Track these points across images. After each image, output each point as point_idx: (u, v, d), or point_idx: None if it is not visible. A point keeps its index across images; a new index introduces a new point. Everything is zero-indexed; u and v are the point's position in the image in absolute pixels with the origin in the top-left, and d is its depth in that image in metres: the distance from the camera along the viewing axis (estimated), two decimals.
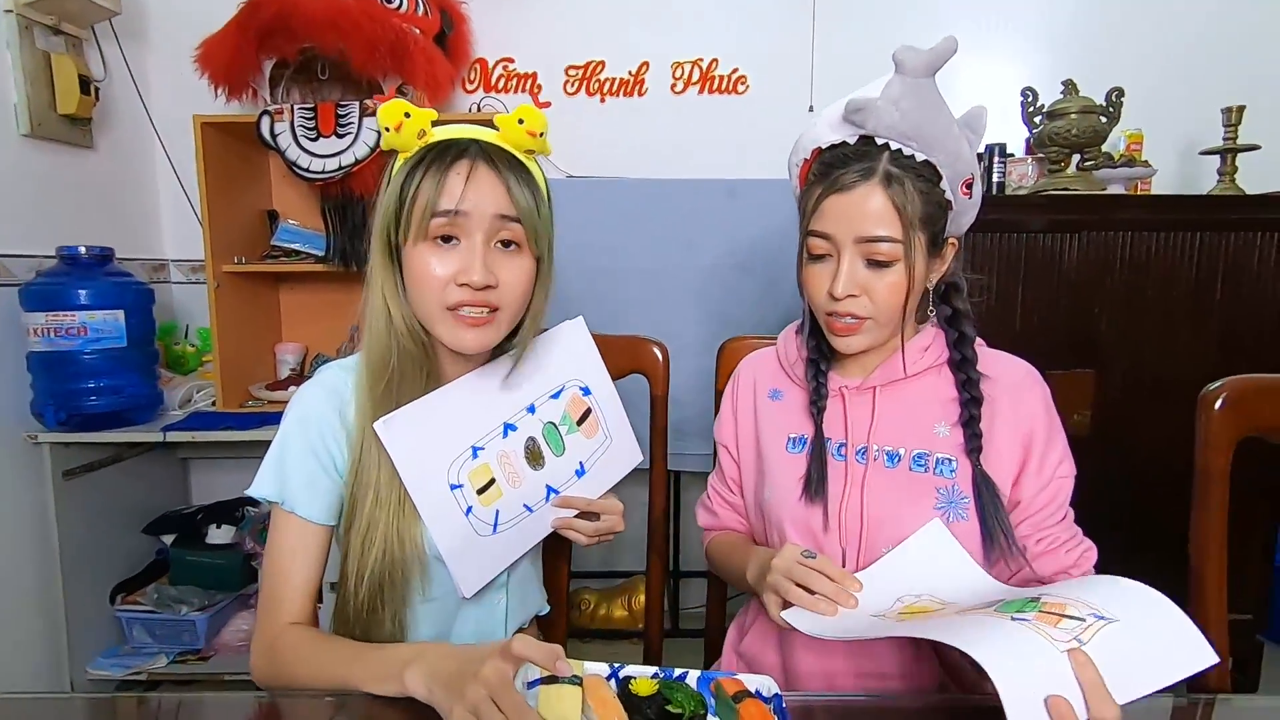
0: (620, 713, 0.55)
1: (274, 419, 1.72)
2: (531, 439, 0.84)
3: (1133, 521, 1.66)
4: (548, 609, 1.00)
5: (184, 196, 2.04)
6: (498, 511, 0.80)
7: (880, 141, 0.73)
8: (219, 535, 1.94)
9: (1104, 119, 1.72)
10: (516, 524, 0.82)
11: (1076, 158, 1.77)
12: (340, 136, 1.72)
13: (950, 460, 0.79)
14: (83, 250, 1.61)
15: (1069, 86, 1.74)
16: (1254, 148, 1.73)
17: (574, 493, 0.86)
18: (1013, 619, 0.57)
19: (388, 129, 0.72)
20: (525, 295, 0.77)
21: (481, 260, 0.72)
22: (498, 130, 0.76)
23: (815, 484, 0.80)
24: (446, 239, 0.73)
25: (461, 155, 0.72)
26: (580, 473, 0.88)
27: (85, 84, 1.73)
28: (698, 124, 2.05)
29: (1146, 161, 1.85)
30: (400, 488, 0.75)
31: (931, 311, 0.83)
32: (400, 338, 0.76)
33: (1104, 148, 1.77)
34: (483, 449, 0.79)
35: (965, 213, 0.80)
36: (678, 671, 0.62)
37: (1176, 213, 1.68)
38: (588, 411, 0.90)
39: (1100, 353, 1.68)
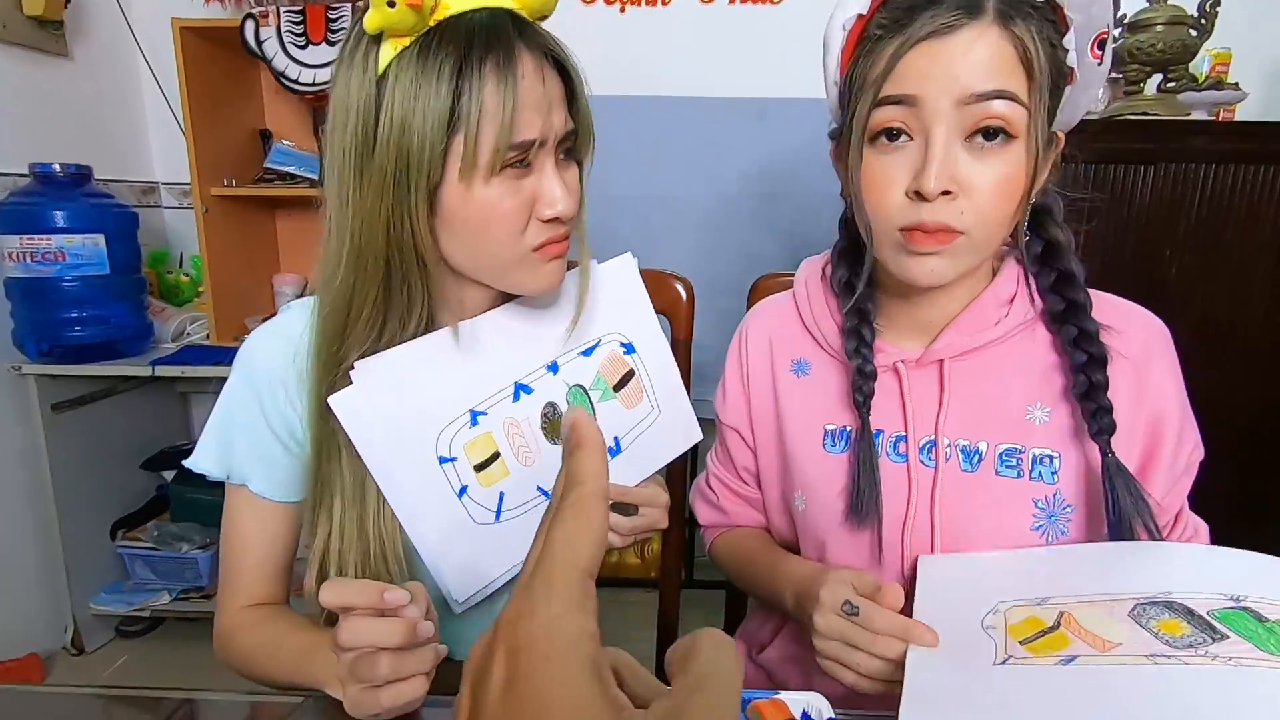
0: None
1: None
2: (551, 405, 0.65)
3: (1203, 496, 1.54)
4: None
5: (170, 113, 1.89)
6: (502, 494, 0.63)
7: None
8: None
9: (1194, 32, 1.50)
10: (529, 510, 0.64)
11: (1158, 78, 1.56)
12: (332, 44, 1.56)
13: (1052, 457, 0.60)
14: (57, 168, 1.49)
15: None
16: None
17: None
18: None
19: (392, 3, 0.49)
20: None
21: (561, 184, 0.56)
22: None
23: (865, 500, 0.61)
24: (515, 163, 0.55)
25: (512, 47, 0.52)
26: (615, 451, 0.69)
27: None
28: (727, 37, 1.83)
29: (1235, 85, 1.64)
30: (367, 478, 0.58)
31: (1009, 245, 0.63)
32: (406, 279, 0.57)
33: (1189, 67, 1.56)
34: (485, 414, 0.61)
35: (1089, 88, 0.58)
36: None
37: (1266, 142, 1.48)
38: (629, 374, 0.71)
39: (1169, 300, 1.52)
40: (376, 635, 0.46)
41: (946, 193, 0.53)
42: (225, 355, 1.63)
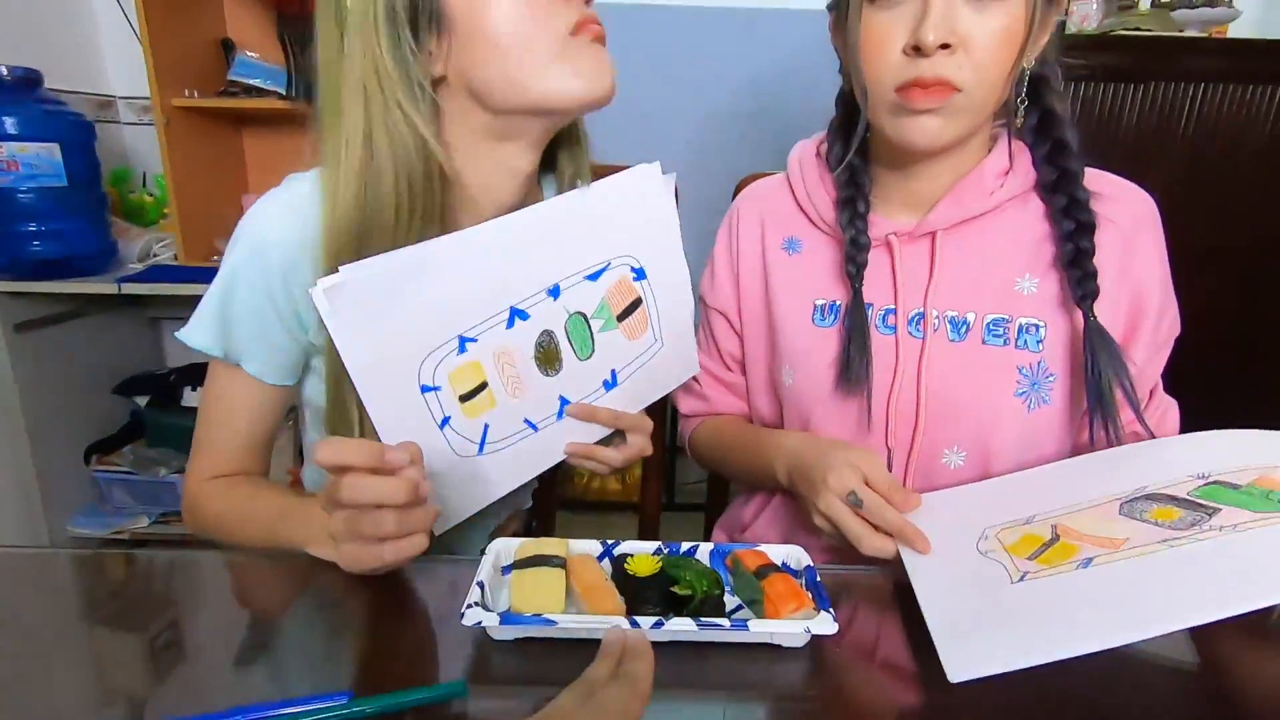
0: (615, 599, 0.44)
1: None
2: (548, 334, 0.60)
3: (1181, 386, 1.57)
4: (529, 504, 0.89)
5: (126, 21, 1.77)
6: (486, 426, 0.59)
7: None
8: (194, 397, 1.85)
9: None
10: (513, 444, 0.61)
11: None
12: None
13: (1037, 325, 0.61)
14: (3, 71, 1.40)
15: None
16: None
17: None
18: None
19: None
20: None
21: None
22: None
23: (855, 368, 0.61)
24: None
25: None
26: (610, 384, 0.66)
27: None
28: None
29: (1229, 2, 1.61)
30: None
31: (1000, 124, 0.62)
32: (399, 162, 0.53)
33: None
34: (474, 341, 0.56)
35: None
36: (685, 546, 0.50)
37: (1258, 61, 1.47)
38: (636, 302, 0.66)
39: None
40: (382, 492, 0.45)
41: (945, 46, 0.52)
42: (195, 275, 1.58)
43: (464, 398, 0.57)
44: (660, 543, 0.50)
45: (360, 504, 0.46)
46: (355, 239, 0.53)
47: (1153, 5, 1.54)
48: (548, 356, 0.61)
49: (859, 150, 0.63)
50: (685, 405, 0.81)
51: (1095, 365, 0.57)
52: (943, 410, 0.62)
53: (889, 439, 0.64)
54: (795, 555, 0.49)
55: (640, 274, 0.66)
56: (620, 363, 0.66)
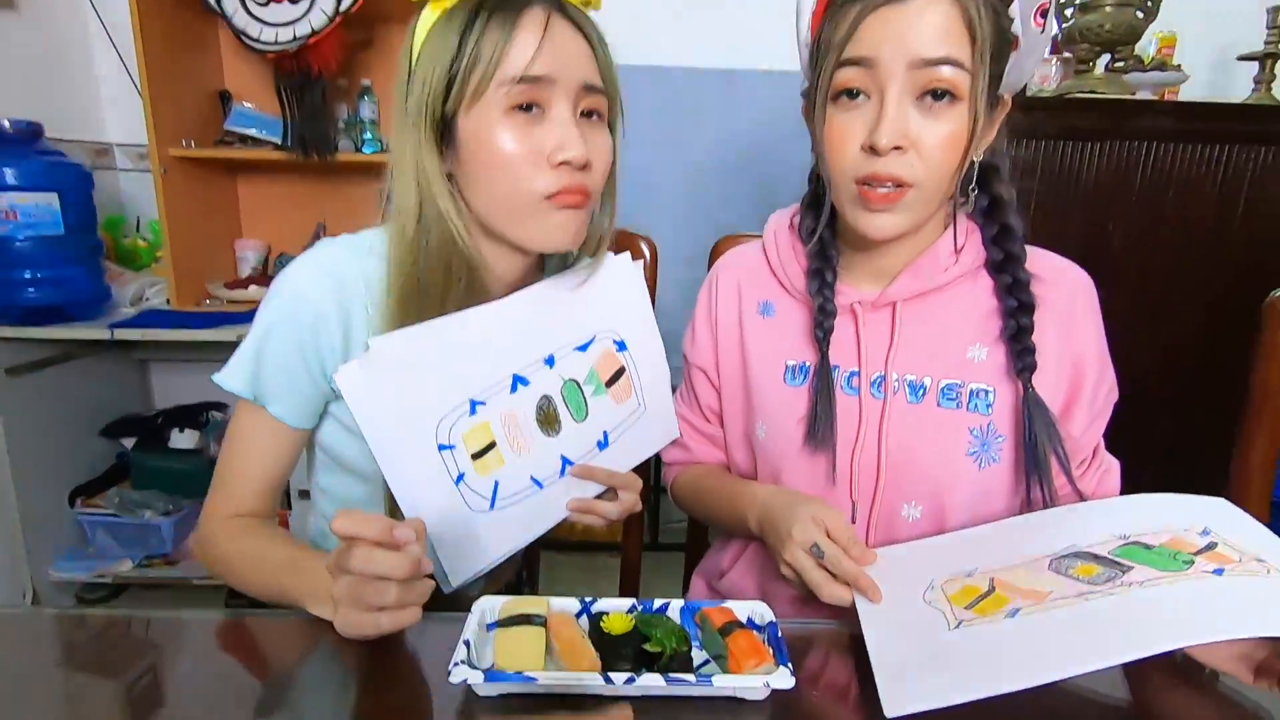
0: (591, 657, 0.47)
1: (233, 319, 1.61)
2: (546, 398, 0.67)
3: (1135, 439, 1.63)
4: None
5: (125, 72, 1.83)
6: (497, 483, 0.64)
7: None
8: (182, 440, 1.86)
9: (1140, 14, 1.56)
10: (522, 500, 0.67)
11: (1106, 58, 1.62)
12: (294, 2, 1.53)
13: (987, 391, 0.65)
14: (6, 124, 1.44)
15: None
16: None
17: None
18: (1199, 571, 0.47)
19: None
20: (608, 179, 0.65)
21: (576, 133, 0.59)
22: None
23: (821, 426, 0.66)
24: (526, 108, 0.59)
25: (529, 2, 0.58)
26: (603, 444, 0.72)
27: None
28: (695, 7, 1.85)
29: (1179, 66, 1.71)
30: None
31: (963, 200, 0.68)
32: (442, 243, 0.61)
33: (1135, 49, 1.63)
34: (483, 404, 0.63)
35: (1030, 55, 0.62)
36: (658, 603, 0.54)
37: (1206, 122, 1.56)
38: (620, 371, 0.74)
39: (1111, 271, 1.59)
40: (388, 566, 0.48)
41: (898, 148, 0.58)
42: (186, 320, 1.61)
43: (475, 455, 0.63)
44: (634, 599, 0.54)
45: (367, 574, 0.49)
46: (408, 295, 0.61)
47: (1107, 69, 1.63)
48: (548, 418, 0.68)
49: (828, 224, 0.69)
50: (668, 454, 0.86)
51: (1031, 432, 0.63)
52: (901, 467, 0.67)
53: (853, 493, 0.68)
54: (759, 611, 0.52)
55: (622, 345, 0.74)
56: (610, 425, 0.73)
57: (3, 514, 1.60)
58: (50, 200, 1.47)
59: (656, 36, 1.85)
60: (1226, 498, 0.57)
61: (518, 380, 0.65)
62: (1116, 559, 0.51)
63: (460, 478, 0.62)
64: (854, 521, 0.69)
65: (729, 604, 0.52)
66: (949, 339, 0.67)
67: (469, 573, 0.65)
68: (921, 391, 0.67)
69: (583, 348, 0.70)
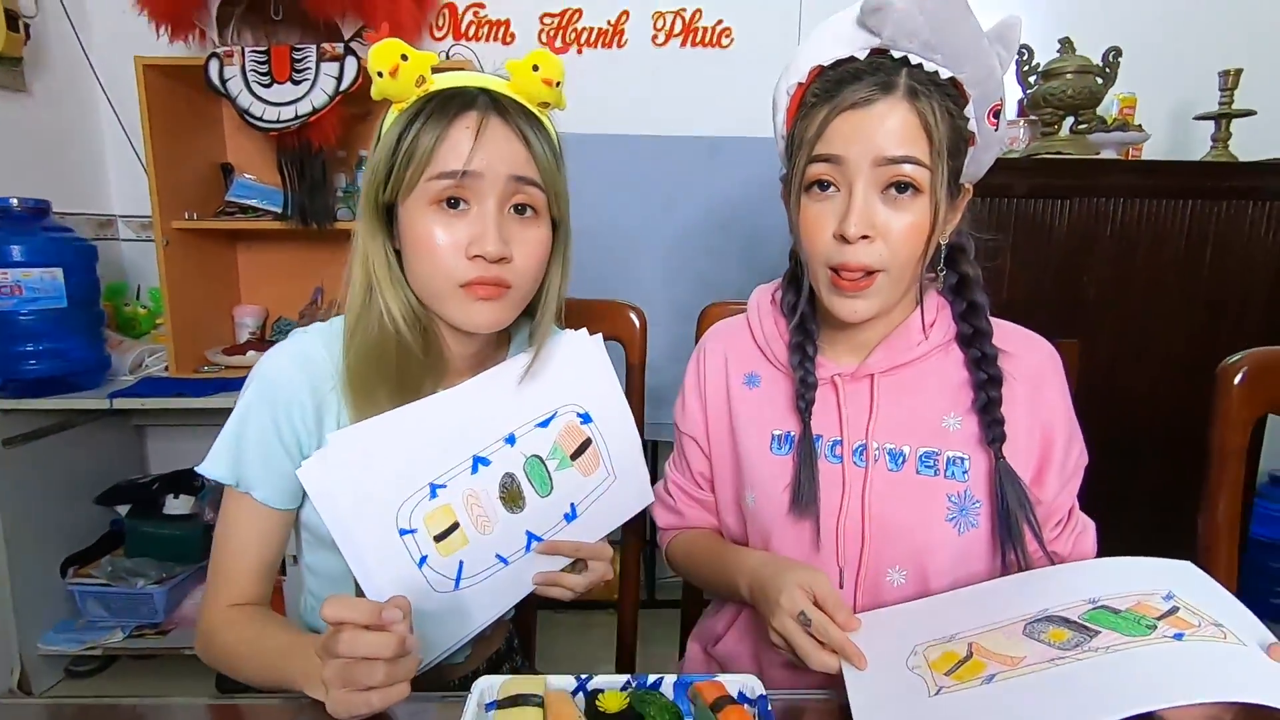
0: None
1: (231, 385, 1.63)
2: (509, 475, 0.69)
3: (1114, 490, 1.67)
4: (512, 613, 0.94)
5: (130, 147, 1.90)
6: (461, 563, 0.66)
7: (898, 55, 0.62)
8: (177, 506, 1.86)
9: (1100, 80, 1.65)
10: (487, 578, 0.68)
11: (1070, 120, 1.71)
12: (296, 83, 1.61)
13: (963, 459, 0.69)
14: (15, 203, 1.49)
15: (1065, 45, 1.67)
16: (1250, 113, 1.68)
17: (562, 539, 0.73)
18: (1160, 635, 0.50)
19: (380, 74, 0.62)
20: (540, 270, 0.69)
21: (496, 228, 0.63)
22: (508, 79, 0.67)
23: (805, 494, 0.69)
24: (453, 203, 0.64)
25: (469, 106, 0.63)
26: (570, 516, 0.74)
27: (13, 20, 1.59)
28: (679, 78, 1.95)
29: (1140, 126, 1.80)
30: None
31: (933, 276, 0.72)
32: (391, 320, 0.65)
33: (1097, 111, 1.72)
34: (444, 487, 0.65)
35: (988, 149, 0.68)
36: (651, 678, 0.55)
37: (1168, 178, 1.64)
38: (586, 443, 0.75)
39: (1087, 322, 1.65)
40: (374, 646, 0.50)
41: (865, 237, 0.62)
42: (185, 387, 1.63)
43: (438, 537, 0.65)
44: (629, 675, 0.55)
45: (354, 656, 0.50)
46: (364, 371, 0.66)
47: (1072, 130, 1.72)
48: (511, 496, 0.69)
49: (808, 299, 0.73)
50: (662, 519, 0.88)
51: (1004, 499, 0.66)
52: (884, 533, 0.69)
53: (839, 558, 0.70)
54: (751, 685, 0.54)
55: (586, 418, 0.76)
56: (578, 496, 0.74)
57: None
58: (55, 274, 1.51)
59: (643, 106, 1.94)
60: (1196, 554, 0.60)
61: (478, 461, 0.68)
62: (1085, 624, 0.54)
63: (423, 560, 0.64)
64: (841, 586, 0.70)
65: (721, 678, 0.54)
66: (925, 409, 0.71)
67: (437, 651, 0.67)
68: (901, 459, 0.70)
69: (544, 424, 0.73)
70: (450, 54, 1.95)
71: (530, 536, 0.71)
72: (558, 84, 0.66)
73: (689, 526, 0.86)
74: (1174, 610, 0.53)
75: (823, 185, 0.64)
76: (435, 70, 0.65)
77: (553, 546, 0.72)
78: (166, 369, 1.76)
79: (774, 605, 0.63)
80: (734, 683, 0.53)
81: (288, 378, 0.66)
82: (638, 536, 1.06)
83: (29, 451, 1.64)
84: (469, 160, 0.62)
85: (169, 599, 1.77)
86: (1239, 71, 1.66)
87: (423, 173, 0.63)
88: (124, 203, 1.99)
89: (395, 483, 0.63)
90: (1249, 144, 1.71)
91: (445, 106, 0.63)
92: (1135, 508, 1.62)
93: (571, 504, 0.74)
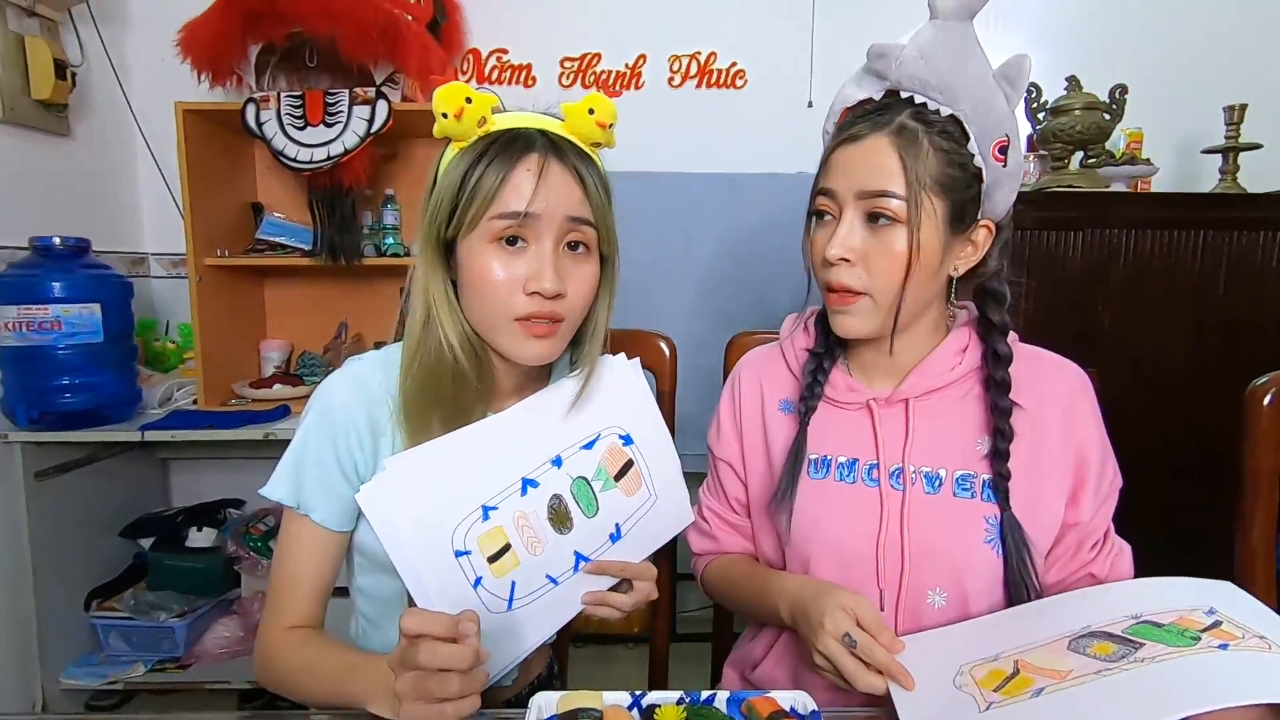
0: None
1: (258, 418, 1.66)
2: (557, 497, 0.71)
3: (1137, 518, 1.65)
4: (555, 638, 0.95)
5: (165, 187, 1.97)
6: (514, 583, 0.68)
7: (904, 95, 0.67)
8: (200, 538, 1.87)
9: (1107, 116, 1.70)
10: (538, 598, 0.70)
11: (1079, 155, 1.75)
12: (329, 125, 1.67)
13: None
14: (57, 241, 1.54)
15: (1072, 83, 1.72)
16: (1256, 146, 1.72)
17: (607, 559, 0.74)
18: (1206, 645, 0.51)
19: (445, 115, 0.65)
20: (589, 303, 0.72)
21: (553, 267, 0.66)
22: (562, 119, 0.70)
23: (783, 496, 0.73)
24: (512, 241, 0.66)
25: (529, 148, 0.66)
26: (616, 537, 0.75)
27: (61, 69, 1.66)
28: (696, 118, 2.00)
29: (1148, 160, 1.84)
30: None
31: (963, 309, 0.76)
32: (449, 349, 0.68)
33: (1106, 145, 1.76)
34: (495, 509, 0.67)
35: (1001, 186, 0.69)
36: (705, 694, 0.56)
37: (1179, 211, 1.67)
38: (629, 464, 0.77)
39: (1104, 351, 1.66)
40: (452, 658, 0.51)
41: (845, 260, 0.68)
42: (214, 420, 1.66)
43: (492, 558, 0.66)
44: (683, 692, 0.56)
45: (433, 667, 0.52)
46: (422, 396, 0.68)
47: (1081, 165, 1.76)
48: (559, 517, 0.71)
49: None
50: (697, 545, 0.89)
51: (1004, 546, 0.68)
52: (924, 555, 0.70)
53: (880, 581, 0.71)
54: (802, 700, 0.55)
55: (628, 440, 0.77)
56: (622, 516, 0.76)
57: (21, 621, 1.60)
58: (93, 310, 1.55)
59: (662, 145, 1.99)
60: (1233, 579, 0.61)
61: (527, 483, 0.69)
62: (1129, 637, 0.55)
63: (478, 581, 0.66)
64: (882, 609, 0.71)
65: (773, 694, 0.55)
66: (959, 432, 0.72)
67: (494, 670, 0.68)
68: (938, 482, 0.71)
69: (588, 445, 0.74)
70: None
71: (578, 557, 0.72)
72: (610, 125, 0.70)
73: (724, 551, 0.87)
74: (1217, 624, 0.53)
75: (821, 215, 0.71)
76: (495, 111, 0.68)
77: (600, 567, 0.73)
78: (195, 402, 1.79)
79: (817, 628, 0.63)
80: (786, 698, 0.54)
81: (344, 404, 0.69)
82: (669, 563, 1.07)
83: (58, 484, 1.66)
84: (531, 202, 0.65)
85: (190, 633, 1.77)
86: (1244, 106, 1.70)
87: (485, 211, 0.65)
88: (156, 241, 2.05)
89: (450, 505, 0.65)
90: (1257, 176, 1.74)
91: (508, 149, 0.66)
92: (1152, 532, 1.61)
93: (616, 524, 0.75)
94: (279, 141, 1.67)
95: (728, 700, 0.56)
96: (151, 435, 1.59)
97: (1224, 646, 0.50)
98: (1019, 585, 0.68)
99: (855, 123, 0.68)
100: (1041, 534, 0.70)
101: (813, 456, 0.76)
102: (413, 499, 0.64)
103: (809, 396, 0.75)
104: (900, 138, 0.65)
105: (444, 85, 0.65)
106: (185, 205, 1.70)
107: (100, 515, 1.82)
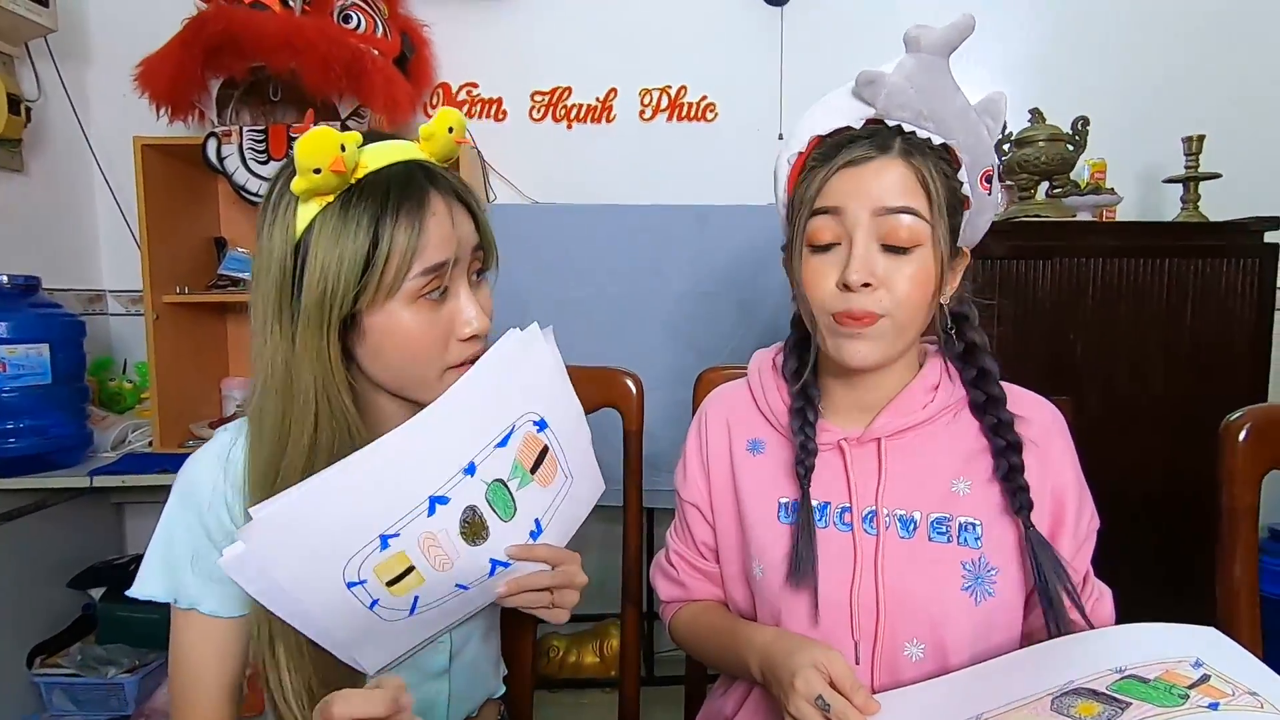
0: None
1: None
2: (470, 509, 0.63)
3: (1111, 547, 1.63)
4: (502, 689, 0.89)
5: (124, 223, 1.92)
6: (416, 597, 0.63)
7: (891, 123, 0.64)
8: None
9: (1071, 146, 1.72)
10: (445, 603, 0.65)
11: (1044, 185, 1.77)
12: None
13: (975, 524, 0.67)
14: (4, 280, 1.49)
15: (1036, 115, 1.75)
16: (1215, 176, 1.75)
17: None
18: (1194, 705, 0.48)
19: (318, 170, 0.53)
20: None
21: (476, 305, 0.63)
22: (417, 141, 0.64)
23: (804, 564, 0.67)
24: (435, 292, 0.62)
25: (424, 190, 0.59)
26: (536, 533, 0.69)
27: (15, 103, 1.62)
28: (666, 151, 2.01)
29: (1112, 189, 1.86)
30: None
31: (934, 341, 0.73)
32: (344, 413, 0.61)
33: (1070, 175, 1.78)
34: (396, 536, 0.59)
35: (983, 213, 0.69)
36: None
37: (1145, 239, 1.69)
38: (544, 451, 0.69)
39: (1076, 378, 1.66)
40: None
41: (867, 285, 0.63)
42: (168, 463, 1.60)
43: (390, 583, 0.60)
44: None
45: None
46: (278, 464, 0.60)
47: (1048, 194, 1.78)
48: (473, 529, 0.63)
49: (812, 367, 0.72)
50: (664, 591, 0.84)
51: (1040, 570, 0.64)
52: (900, 604, 0.66)
53: (854, 632, 0.67)
54: None
55: (542, 424, 0.69)
56: (541, 509, 0.69)
57: None
58: (41, 350, 1.49)
59: (632, 178, 1.99)
60: (1216, 617, 0.58)
61: (436, 501, 0.60)
62: (1115, 695, 0.52)
63: (374, 603, 0.61)
64: (857, 661, 0.68)
65: None
66: (934, 473, 0.69)
67: (386, 660, 0.65)
68: (912, 526, 0.68)
69: (502, 443, 0.65)
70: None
71: (495, 563, 0.66)
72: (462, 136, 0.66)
73: (692, 599, 0.83)
74: (1205, 679, 0.51)
75: (824, 246, 0.66)
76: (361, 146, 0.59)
77: (526, 550, 0.67)
78: (150, 444, 1.72)
79: (789, 689, 0.60)
80: None
81: (210, 477, 0.63)
82: (637, 608, 1.02)
83: (3, 533, 1.58)
84: (446, 248, 0.60)
85: (140, 689, 1.67)
86: (1201, 137, 1.74)
87: (407, 273, 0.59)
88: (114, 278, 1.99)
89: (338, 545, 0.57)
90: (1216, 204, 1.76)
91: (406, 197, 0.58)
92: (1125, 564, 1.60)
93: (535, 520, 0.69)
94: (240, 176, 1.63)
95: None
96: (101, 481, 1.53)
97: (1214, 706, 0.47)
98: (1055, 605, 0.63)
99: (848, 146, 0.64)
100: (1023, 576, 0.67)
101: (783, 500, 0.73)
102: (290, 549, 0.55)
103: (804, 457, 0.71)
104: (911, 159, 0.63)
105: (305, 134, 0.53)
106: (143, 241, 1.65)
107: (48, 564, 1.73)
